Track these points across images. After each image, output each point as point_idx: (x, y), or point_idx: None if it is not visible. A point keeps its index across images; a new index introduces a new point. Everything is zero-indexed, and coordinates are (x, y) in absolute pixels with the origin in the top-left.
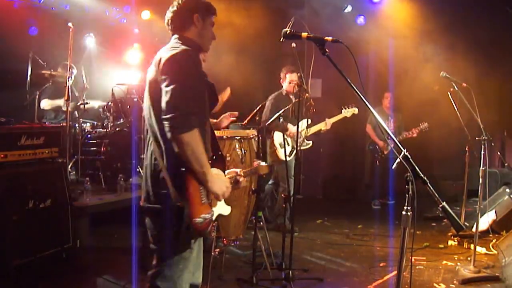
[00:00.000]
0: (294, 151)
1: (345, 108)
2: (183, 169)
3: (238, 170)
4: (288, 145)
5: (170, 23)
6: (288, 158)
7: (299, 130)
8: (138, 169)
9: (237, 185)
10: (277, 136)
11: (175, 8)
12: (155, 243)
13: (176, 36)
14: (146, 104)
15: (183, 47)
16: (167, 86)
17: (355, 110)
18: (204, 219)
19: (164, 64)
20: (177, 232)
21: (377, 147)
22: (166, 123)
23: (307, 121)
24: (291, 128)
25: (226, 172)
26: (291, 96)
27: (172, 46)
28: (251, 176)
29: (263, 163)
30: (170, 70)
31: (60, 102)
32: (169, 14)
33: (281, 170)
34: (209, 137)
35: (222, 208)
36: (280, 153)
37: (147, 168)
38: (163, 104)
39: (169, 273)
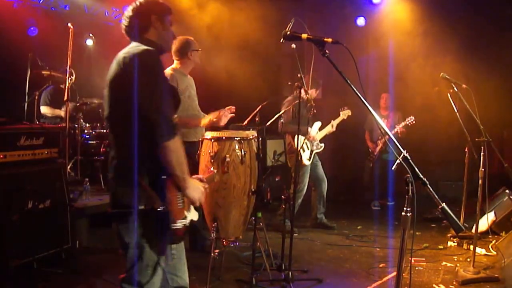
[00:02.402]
0: (313, 154)
1: (342, 110)
2: (164, 176)
3: (201, 176)
4: (308, 149)
5: (128, 29)
6: (308, 162)
7: (314, 133)
8: None
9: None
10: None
11: (130, 13)
12: (124, 248)
13: (136, 41)
14: (107, 104)
15: (145, 47)
16: (139, 87)
17: (349, 112)
18: (182, 224)
19: (129, 63)
20: (155, 237)
21: (369, 149)
22: (154, 130)
23: (310, 124)
24: (311, 131)
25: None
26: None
27: (134, 46)
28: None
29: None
30: (139, 70)
31: (61, 112)
32: (125, 21)
33: (303, 173)
34: None
35: (192, 214)
36: (302, 157)
37: (112, 172)
38: (140, 106)
39: (138, 278)
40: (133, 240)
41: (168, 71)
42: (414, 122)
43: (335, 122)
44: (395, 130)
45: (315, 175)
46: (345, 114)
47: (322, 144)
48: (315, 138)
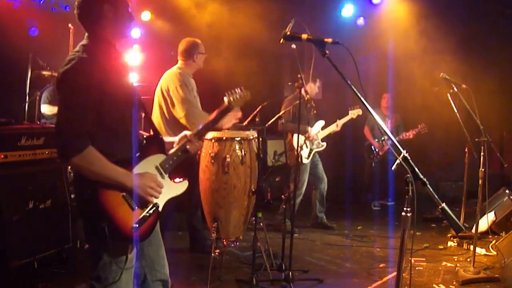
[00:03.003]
0: (312, 153)
1: (351, 109)
2: (89, 190)
3: (188, 133)
4: (307, 148)
5: (79, 18)
6: (306, 161)
7: (315, 132)
8: None
9: (186, 154)
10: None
11: (80, 0)
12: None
13: (86, 35)
14: None
15: (77, 56)
16: (58, 108)
17: (360, 111)
18: (142, 222)
19: (57, 82)
20: (107, 245)
21: (373, 147)
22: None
23: (311, 124)
24: (310, 130)
25: (177, 138)
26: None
27: (70, 55)
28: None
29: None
30: (60, 91)
31: None
32: (76, 8)
33: (302, 172)
34: (127, 139)
35: (171, 191)
36: (301, 155)
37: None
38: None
39: (104, 275)
40: (91, 242)
41: (175, 71)
42: (427, 130)
43: (340, 122)
44: (407, 135)
45: (315, 174)
46: (354, 113)
47: (324, 143)
48: (316, 137)
